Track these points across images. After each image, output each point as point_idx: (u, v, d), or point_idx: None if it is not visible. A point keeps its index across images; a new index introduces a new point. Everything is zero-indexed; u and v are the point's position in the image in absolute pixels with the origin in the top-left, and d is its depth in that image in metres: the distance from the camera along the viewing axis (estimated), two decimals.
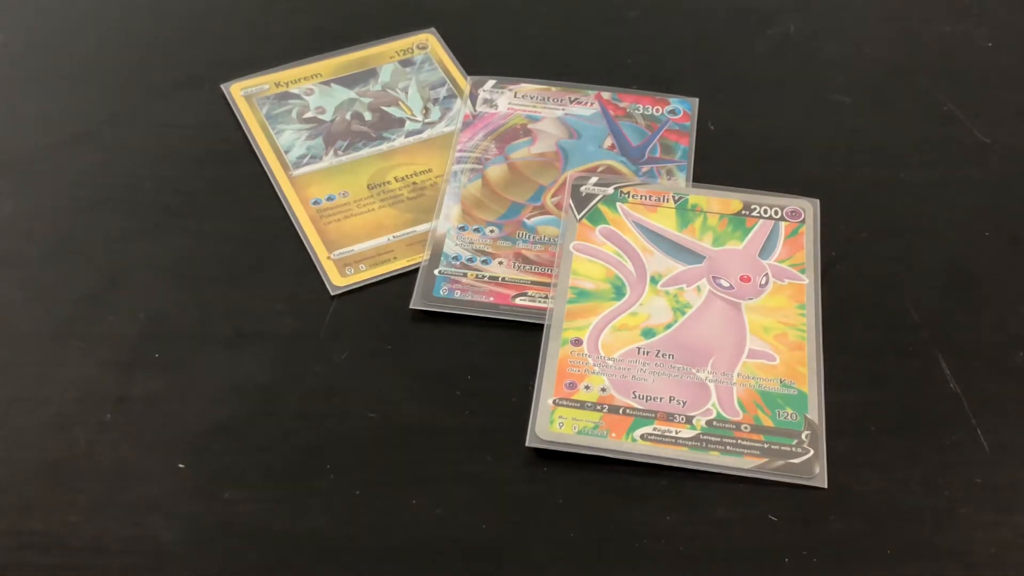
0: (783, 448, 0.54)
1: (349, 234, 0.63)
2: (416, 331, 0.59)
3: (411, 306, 0.60)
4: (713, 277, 0.60)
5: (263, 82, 0.71)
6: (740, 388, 0.56)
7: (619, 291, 0.60)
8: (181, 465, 0.54)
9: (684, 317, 0.59)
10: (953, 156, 0.68)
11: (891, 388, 0.57)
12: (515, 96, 0.70)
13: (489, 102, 0.70)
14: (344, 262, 0.62)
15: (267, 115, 0.69)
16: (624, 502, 0.53)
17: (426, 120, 0.69)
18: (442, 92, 0.71)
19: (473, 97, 0.70)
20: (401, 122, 0.69)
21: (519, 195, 0.65)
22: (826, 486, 0.53)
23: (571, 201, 0.64)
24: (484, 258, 0.62)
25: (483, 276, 0.61)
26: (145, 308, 0.60)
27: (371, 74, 0.72)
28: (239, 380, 0.57)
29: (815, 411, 0.55)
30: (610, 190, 0.64)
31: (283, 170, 0.66)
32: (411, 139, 0.68)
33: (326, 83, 0.71)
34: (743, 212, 0.63)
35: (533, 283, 0.61)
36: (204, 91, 0.71)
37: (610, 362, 0.57)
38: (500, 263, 0.62)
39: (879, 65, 0.73)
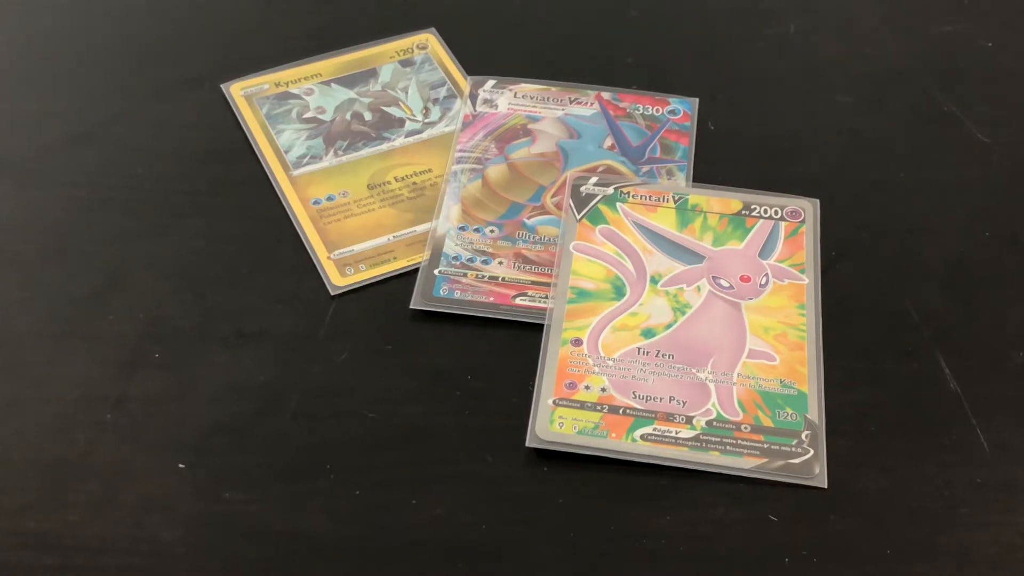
0: (783, 448, 0.54)
1: (349, 234, 0.63)
2: (416, 331, 0.59)
3: (411, 306, 0.60)
4: (713, 277, 0.60)
5: (263, 82, 0.71)
6: (740, 388, 0.56)
7: (619, 291, 0.60)
8: (181, 465, 0.54)
9: (684, 317, 0.59)
10: (953, 156, 0.68)
11: (891, 388, 0.57)
12: (515, 96, 0.70)
13: (489, 102, 0.70)
14: (344, 262, 0.62)
15: (267, 115, 0.69)
16: (624, 502, 0.53)
17: (426, 120, 0.69)
18: (442, 92, 0.71)
19: (473, 97, 0.70)
20: (401, 122, 0.69)
21: (519, 195, 0.65)
22: (826, 486, 0.53)
23: (571, 201, 0.64)
24: (484, 258, 0.62)
25: (483, 276, 0.61)
26: (145, 308, 0.60)
27: (371, 74, 0.72)
28: (239, 380, 0.57)
29: (815, 411, 0.55)
30: (610, 190, 0.64)
31: (283, 170, 0.66)
32: (411, 139, 0.68)
33: (326, 83, 0.71)
34: (743, 212, 0.63)
35: (533, 283, 0.61)
36: (204, 91, 0.71)
37: (610, 362, 0.57)
38: (500, 263, 0.62)
39: (879, 65, 0.73)
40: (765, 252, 0.61)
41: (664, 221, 0.63)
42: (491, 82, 0.71)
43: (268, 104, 0.70)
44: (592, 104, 0.70)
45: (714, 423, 0.55)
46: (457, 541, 0.52)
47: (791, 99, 0.71)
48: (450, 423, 0.56)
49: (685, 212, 0.63)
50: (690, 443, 0.54)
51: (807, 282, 0.60)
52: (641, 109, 0.69)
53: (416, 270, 0.62)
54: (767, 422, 0.55)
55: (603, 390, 0.56)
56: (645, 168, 0.66)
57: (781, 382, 0.56)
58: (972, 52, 0.74)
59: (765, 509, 0.53)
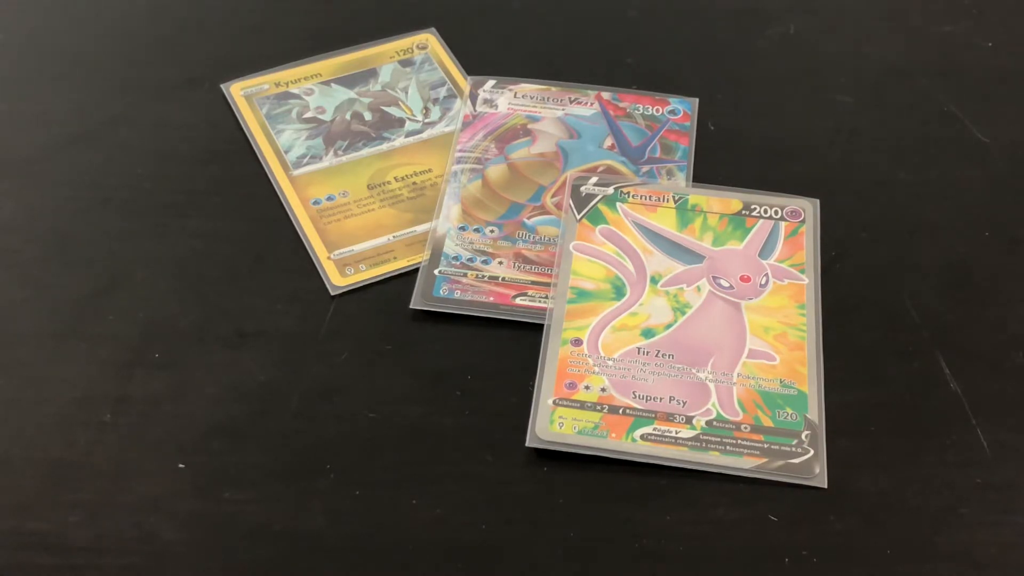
0: (783, 448, 0.54)
1: (349, 234, 0.63)
2: (416, 331, 0.59)
3: (411, 306, 0.60)
4: (713, 277, 0.60)
5: (263, 82, 0.71)
6: (740, 388, 0.56)
7: (619, 291, 0.60)
8: (181, 465, 0.54)
9: (684, 317, 0.59)
10: (953, 156, 0.68)
11: (891, 388, 0.57)
12: (515, 96, 0.70)
13: (489, 102, 0.70)
14: (344, 262, 0.62)
15: (267, 115, 0.69)
16: (624, 502, 0.53)
17: (426, 120, 0.69)
18: (442, 92, 0.71)
19: (473, 97, 0.70)
20: (401, 122, 0.69)
21: (519, 195, 0.65)
22: (826, 486, 0.53)
23: (571, 201, 0.64)
24: (484, 258, 0.62)
25: (483, 276, 0.61)
26: (145, 308, 0.60)
27: (371, 74, 0.72)
28: (239, 380, 0.57)
29: (815, 411, 0.55)
30: (610, 190, 0.64)
31: (283, 170, 0.66)
32: (411, 139, 0.68)
33: (326, 83, 0.71)
34: (743, 212, 0.63)
35: (533, 283, 0.61)
36: (204, 91, 0.71)
37: (610, 362, 0.57)
38: (500, 263, 0.62)
39: (879, 65, 0.73)
40: (765, 252, 0.61)
41: (664, 221, 0.63)
42: (491, 82, 0.71)
43: (268, 104, 0.70)
44: (592, 104, 0.70)
45: (714, 423, 0.55)
46: (457, 541, 0.52)
47: (791, 99, 0.71)
48: (450, 423, 0.56)
49: (685, 212, 0.63)
50: (690, 443, 0.54)
51: (807, 282, 0.60)
52: (641, 109, 0.69)
53: (416, 270, 0.62)
54: (767, 422, 0.55)
55: (603, 390, 0.56)
56: (645, 168, 0.66)
57: (781, 382, 0.56)
58: (972, 52, 0.74)
59: (765, 509, 0.53)
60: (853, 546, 0.51)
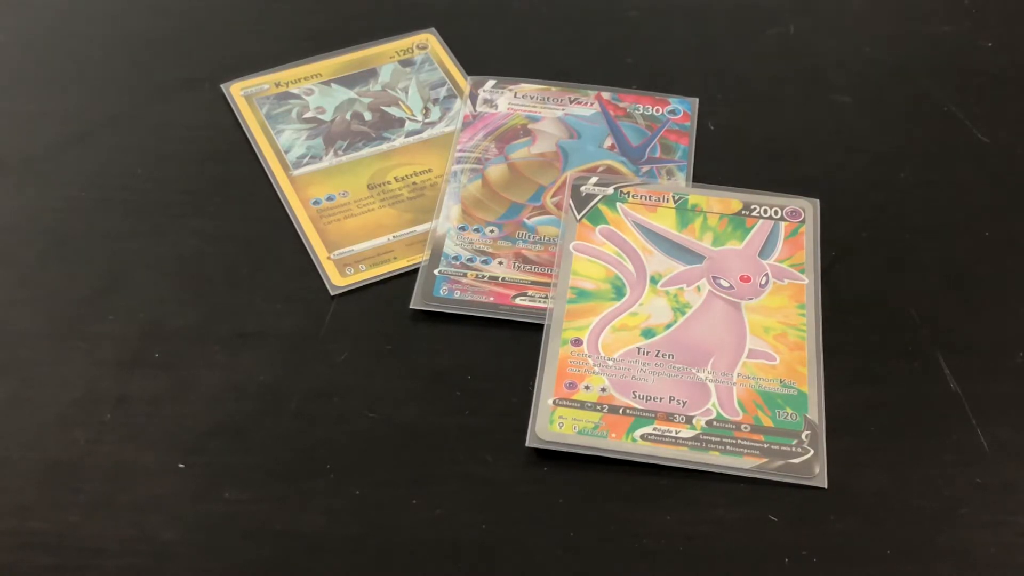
0: (783, 448, 0.54)
1: (349, 234, 0.63)
2: (416, 331, 0.59)
3: (411, 306, 0.60)
4: (713, 277, 0.60)
5: (263, 82, 0.71)
6: (740, 388, 0.56)
7: (619, 291, 0.60)
8: (181, 465, 0.54)
9: (684, 317, 0.59)
10: (953, 156, 0.68)
11: (891, 388, 0.57)
12: (515, 96, 0.70)
13: (489, 102, 0.70)
14: (344, 262, 0.62)
15: (267, 115, 0.69)
16: (624, 502, 0.53)
17: (426, 120, 0.69)
18: (442, 92, 0.71)
19: (473, 97, 0.70)
20: (401, 122, 0.69)
21: (519, 195, 0.65)
22: (826, 486, 0.53)
23: (571, 201, 0.64)
24: (484, 258, 0.62)
25: (483, 276, 0.61)
26: (145, 308, 0.60)
27: (371, 74, 0.72)
28: (239, 380, 0.57)
29: (815, 411, 0.55)
30: (610, 190, 0.64)
31: (283, 170, 0.66)
32: (411, 139, 0.68)
33: (326, 83, 0.71)
34: (743, 212, 0.63)
35: (533, 283, 0.61)
36: (204, 91, 0.71)
37: (610, 362, 0.57)
38: (500, 263, 0.62)
39: (879, 65, 0.73)
40: (765, 252, 0.61)
41: (664, 221, 0.63)
42: (491, 82, 0.71)
43: (268, 104, 0.70)
44: (592, 104, 0.70)
45: (714, 423, 0.55)
46: (457, 541, 0.52)
47: (791, 99, 0.71)
48: (450, 423, 0.56)
49: (685, 212, 0.63)
50: (690, 443, 0.54)
51: (807, 282, 0.60)
52: (641, 109, 0.69)
53: (416, 270, 0.62)
54: (767, 422, 0.55)
55: (603, 390, 0.56)
56: (645, 168, 0.66)
57: (781, 382, 0.56)
58: (972, 52, 0.74)
59: (765, 509, 0.53)
60: (853, 546, 0.51)
